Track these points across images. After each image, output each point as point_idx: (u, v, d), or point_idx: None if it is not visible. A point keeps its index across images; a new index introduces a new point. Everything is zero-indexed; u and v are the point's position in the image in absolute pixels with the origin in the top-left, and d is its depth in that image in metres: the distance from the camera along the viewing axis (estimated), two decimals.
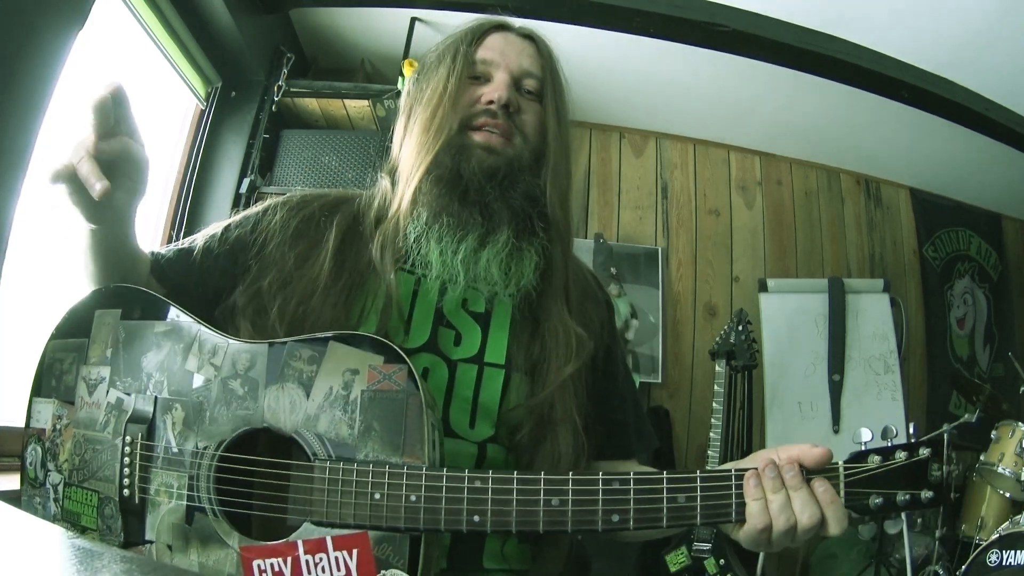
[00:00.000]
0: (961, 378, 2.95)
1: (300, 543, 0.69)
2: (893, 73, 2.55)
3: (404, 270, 0.91)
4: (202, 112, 2.40)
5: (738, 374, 2.66)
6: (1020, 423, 2.25)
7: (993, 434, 2.34)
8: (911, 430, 2.17)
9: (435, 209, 0.88)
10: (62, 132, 1.37)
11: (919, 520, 2.43)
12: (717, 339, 2.67)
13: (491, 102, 0.92)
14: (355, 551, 0.69)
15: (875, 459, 0.67)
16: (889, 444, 0.69)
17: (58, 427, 0.84)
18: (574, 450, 0.87)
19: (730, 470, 0.69)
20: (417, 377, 0.72)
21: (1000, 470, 2.24)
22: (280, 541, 0.71)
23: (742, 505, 0.67)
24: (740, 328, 2.62)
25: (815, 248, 3.44)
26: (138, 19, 1.94)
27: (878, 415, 2.84)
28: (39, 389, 0.86)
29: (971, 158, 3.22)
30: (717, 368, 2.60)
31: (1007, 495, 2.28)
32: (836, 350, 2.94)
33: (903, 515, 2.26)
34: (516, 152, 0.92)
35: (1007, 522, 1.96)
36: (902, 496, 0.66)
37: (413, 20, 2.63)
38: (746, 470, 0.68)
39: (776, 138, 3.38)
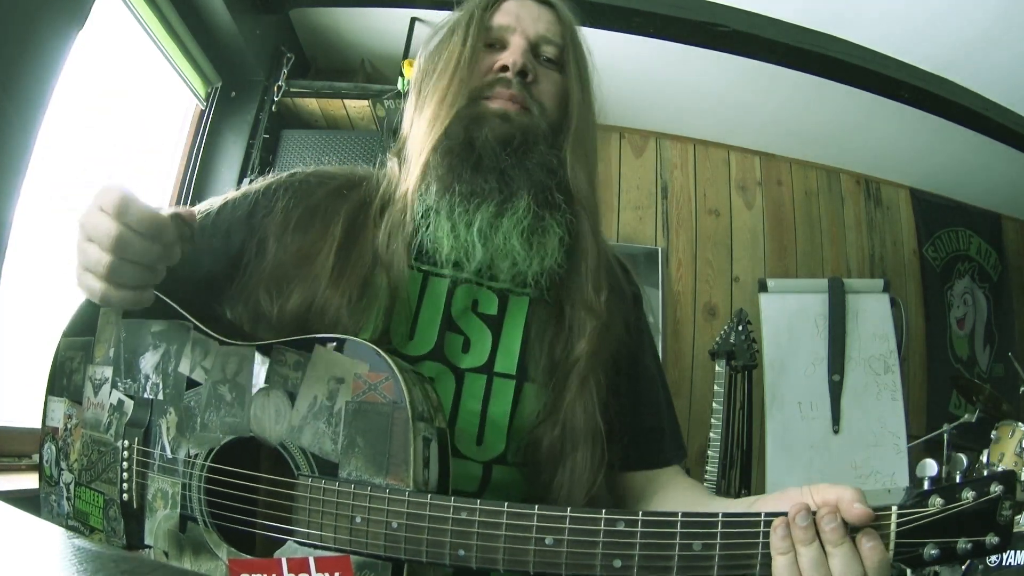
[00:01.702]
0: (961, 378, 2.95)
1: (284, 561, 0.67)
2: (893, 73, 2.55)
3: (410, 267, 0.83)
4: (202, 112, 2.40)
5: (738, 374, 2.66)
6: (1020, 423, 2.25)
7: (993, 434, 2.33)
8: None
9: (446, 181, 0.81)
10: (62, 132, 1.37)
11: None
12: (717, 339, 2.67)
13: (505, 68, 0.85)
14: (337, 575, 0.66)
15: (936, 502, 0.55)
16: (960, 479, 0.59)
17: (68, 427, 0.83)
18: (594, 466, 0.79)
19: (759, 513, 0.58)
20: (404, 388, 0.66)
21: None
22: (266, 557, 0.69)
23: (769, 556, 0.57)
24: (740, 328, 2.62)
25: (815, 248, 3.44)
26: (138, 19, 1.94)
27: (878, 415, 2.84)
28: (53, 388, 0.85)
29: (971, 158, 3.22)
30: (717, 368, 2.60)
31: None
32: (836, 350, 2.94)
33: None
34: (532, 121, 0.84)
35: None
36: (963, 544, 0.54)
37: (413, 20, 2.63)
38: (775, 515, 0.57)
39: (776, 138, 3.37)
